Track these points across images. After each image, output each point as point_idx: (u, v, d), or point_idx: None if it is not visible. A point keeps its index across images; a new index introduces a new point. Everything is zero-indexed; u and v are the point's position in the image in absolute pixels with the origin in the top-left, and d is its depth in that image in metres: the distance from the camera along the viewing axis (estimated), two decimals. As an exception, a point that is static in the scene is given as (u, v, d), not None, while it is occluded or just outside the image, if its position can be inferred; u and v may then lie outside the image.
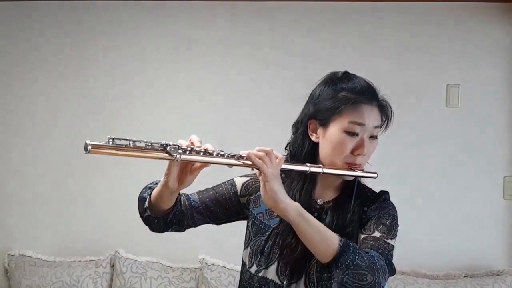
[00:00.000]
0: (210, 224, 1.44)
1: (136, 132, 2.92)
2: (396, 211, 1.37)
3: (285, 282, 1.29)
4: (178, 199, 1.31)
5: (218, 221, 1.43)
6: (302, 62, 2.86)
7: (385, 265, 1.19)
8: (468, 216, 2.86)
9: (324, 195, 1.36)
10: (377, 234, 1.27)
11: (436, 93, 2.88)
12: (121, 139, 1.07)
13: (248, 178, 1.43)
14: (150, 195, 1.30)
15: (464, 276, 2.73)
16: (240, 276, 1.42)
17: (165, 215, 1.30)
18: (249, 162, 1.17)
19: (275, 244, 1.32)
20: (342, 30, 2.92)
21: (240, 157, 1.17)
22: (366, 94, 1.30)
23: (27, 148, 2.98)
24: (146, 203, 1.30)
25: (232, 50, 2.95)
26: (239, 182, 1.43)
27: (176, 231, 1.37)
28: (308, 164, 1.26)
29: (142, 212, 1.32)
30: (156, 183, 1.30)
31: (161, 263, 2.81)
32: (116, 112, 2.97)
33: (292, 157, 1.35)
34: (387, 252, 1.24)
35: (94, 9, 2.99)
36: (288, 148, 1.39)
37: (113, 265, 2.83)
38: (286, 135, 1.41)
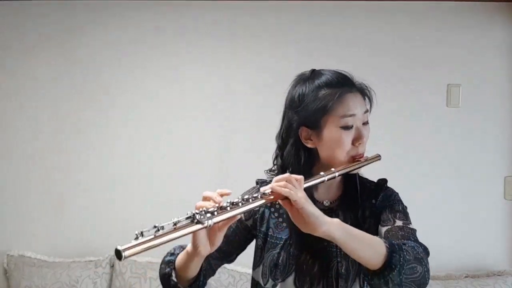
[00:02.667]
0: None
1: (135, 130, 2.94)
2: (399, 195, 1.36)
3: None
4: None
5: (230, 257, 1.38)
6: (302, 62, 2.84)
7: (424, 250, 1.17)
8: (469, 216, 2.86)
9: (329, 195, 1.34)
10: (399, 223, 1.26)
11: (436, 93, 2.88)
12: (149, 230, 1.01)
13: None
14: (174, 268, 1.22)
15: (465, 277, 2.73)
16: None
17: (196, 281, 1.23)
18: (272, 197, 1.10)
19: (290, 256, 1.30)
20: (341, 30, 2.91)
21: (264, 195, 1.10)
22: (345, 83, 1.27)
23: (26, 148, 2.97)
24: (174, 278, 1.21)
25: (233, 54, 2.94)
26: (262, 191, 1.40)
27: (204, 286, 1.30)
28: (322, 173, 1.21)
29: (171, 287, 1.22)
30: (172, 254, 1.24)
31: (160, 264, 2.80)
32: (115, 110, 2.96)
33: (285, 170, 1.28)
34: (416, 238, 1.23)
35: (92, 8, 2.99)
36: (276, 162, 1.35)
37: (113, 266, 2.83)
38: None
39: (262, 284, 1.34)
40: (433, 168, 2.88)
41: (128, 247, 0.97)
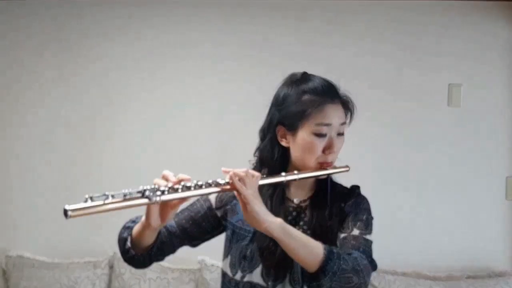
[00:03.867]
0: None
1: (135, 130, 2.93)
2: (369, 204, 1.38)
3: (270, 283, 1.31)
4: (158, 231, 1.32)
5: (194, 241, 1.43)
6: (302, 63, 2.83)
7: (368, 264, 1.21)
8: (470, 217, 2.85)
9: (300, 194, 1.38)
10: (355, 232, 1.29)
11: (438, 93, 2.88)
12: (99, 196, 1.07)
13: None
14: (130, 235, 1.30)
15: (466, 277, 2.72)
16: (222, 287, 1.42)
17: (149, 250, 1.31)
18: (228, 187, 1.19)
19: (257, 247, 1.33)
20: (342, 30, 2.90)
21: (218, 184, 1.18)
22: (329, 93, 1.32)
23: (26, 149, 2.97)
24: (128, 243, 1.30)
25: (233, 52, 2.93)
26: (212, 195, 1.44)
27: (157, 261, 1.37)
28: (283, 174, 1.28)
29: (124, 252, 1.32)
30: (133, 221, 1.31)
31: (160, 264, 2.78)
32: (115, 111, 2.96)
33: (262, 164, 1.37)
34: (367, 249, 1.27)
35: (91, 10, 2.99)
36: (256, 154, 1.40)
37: (112, 267, 2.82)
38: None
39: (230, 275, 1.37)
40: (434, 167, 2.87)
41: (75, 208, 1.06)
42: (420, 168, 2.87)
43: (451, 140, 2.87)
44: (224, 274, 1.41)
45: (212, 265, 2.72)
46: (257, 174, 1.22)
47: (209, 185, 1.17)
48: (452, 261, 2.83)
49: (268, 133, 1.36)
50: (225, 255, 1.41)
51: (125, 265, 2.71)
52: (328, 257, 1.14)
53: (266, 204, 1.27)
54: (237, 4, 2.92)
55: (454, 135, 2.87)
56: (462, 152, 2.87)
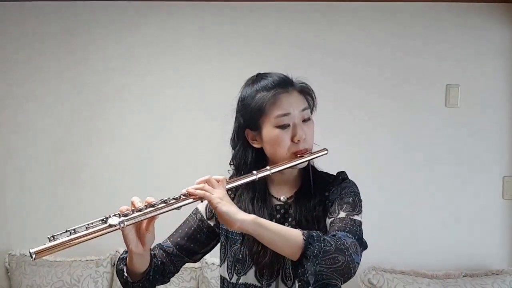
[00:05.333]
0: None
1: (135, 131, 2.95)
2: (357, 187, 1.37)
3: (264, 283, 1.32)
4: (152, 255, 1.33)
5: (194, 256, 1.44)
6: (302, 64, 2.86)
7: (355, 241, 1.20)
8: (468, 216, 2.87)
9: (285, 191, 1.39)
10: (342, 214, 1.28)
11: (435, 93, 2.89)
12: (61, 233, 1.11)
13: None
14: (125, 265, 1.31)
15: (464, 276, 2.73)
16: None
17: (145, 275, 1.31)
18: (193, 197, 1.19)
19: (248, 249, 1.34)
20: (341, 31, 2.92)
21: (183, 196, 1.19)
22: (281, 85, 1.32)
23: (26, 148, 2.99)
24: (125, 273, 1.31)
25: (233, 53, 2.95)
26: (201, 207, 1.45)
27: (162, 283, 1.38)
28: (254, 172, 1.27)
29: (124, 282, 1.33)
30: (127, 251, 1.32)
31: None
32: (116, 112, 2.98)
33: (239, 171, 1.37)
34: (355, 229, 1.25)
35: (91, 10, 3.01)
36: (232, 163, 1.41)
37: (114, 265, 2.83)
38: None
39: (228, 279, 1.39)
40: (431, 167, 2.88)
41: (40, 250, 1.08)
42: (417, 168, 2.89)
43: (448, 140, 2.88)
44: (222, 279, 1.43)
45: (213, 264, 2.74)
46: (221, 178, 1.23)
47: (174, 199, 1.18)
48: (449, 259, 2.85)
49: (238, 139, 1.38)
50: (222, 261, 1.43)
51: (127, 263, 2.76)
52: (308, 242, 1.13)
53: (248, 208, 1.30)
54: (243, 7, 2.94)
55: (452, 135, 2.88)
56: (459, 152, 2.88)
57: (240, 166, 1.37)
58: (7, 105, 3.01)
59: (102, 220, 1.12)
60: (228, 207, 1.17)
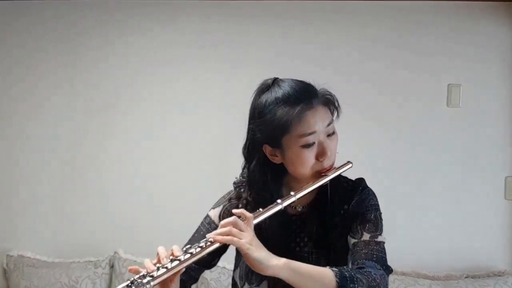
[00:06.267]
0: None
1: (135, 133, 2.93)
2: (376, 198, 1.31)
3: None
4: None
5: (210, 263, 1.39)
6: (302, 64, 2.84)
7: (383, 273, 1.18)
8: (470, 216, 2.86)
9: (302, 200, 1.29)
10: (366, 236, 1.24)
11: (437, 93, 2.88)
12: None
13: (221, 206, 1.39)
14: None
15: (465, 277, 2.73)
16: None
17: None
18: (219, 244, 1.12)
19: None
20: (341, 31, 2.91)
21: (210, 243, 1.13)
22: (304, 98, 1.21)
23: (26, 149, 2.97)
24: None
25: (233, 55, 2.94)
26: (214, 215, 1.39)
27: None
28: (278, 201, 1.20)
29: None
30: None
31: (160, 264, 2.80)
32: (116, 112, 2.96)
33: (251, 188, 1.29)
34: (381, 255, 1.22)
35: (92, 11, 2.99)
36: (243, 176, 1.34)
37: (112, 266, 2.82)
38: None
39: (239, 286, 1.35)
40: (433, 168, 2.87)
41: None
42: (419, 168, 2.87)
43: (450, 140, 2.87)
44: (234, 284, 1.39)
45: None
46: (248, 215, 1.15)
47: (200, 248, 1.12)
48: (451, 260, 2.83)
49: (255, 152, 1.27)
50: (236, 266, 1.38)
51: (126, 264, 2.75)
52: (342, 284, 1.10)
53: (264, 223, 1.22)
54: (242, 7, 2.92)
55: (453, 135, 2.87)
56: (461, 152, 2.87)
57: (255, 183, 1.28)
58: (7, 105, 2.99)
59: (127, 286, 1.06)
60: (259, 253, 1.10)
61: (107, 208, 2.92)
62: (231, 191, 1.40)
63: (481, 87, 2.87)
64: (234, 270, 1.39)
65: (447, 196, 2.86)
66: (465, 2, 2.86)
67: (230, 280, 2.69)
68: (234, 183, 1.40)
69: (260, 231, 1.20)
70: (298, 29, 2.92)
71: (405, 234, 2.86)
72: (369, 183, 1.37)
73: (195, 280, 1.38)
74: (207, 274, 2.71)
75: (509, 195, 2.85)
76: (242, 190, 1.35)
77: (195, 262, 1.26)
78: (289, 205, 1.24)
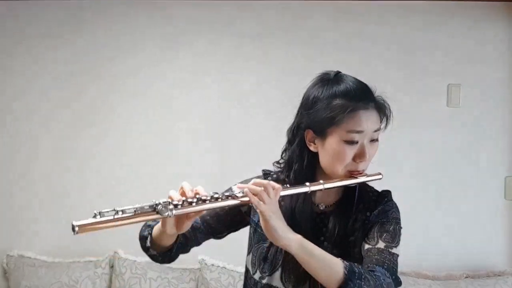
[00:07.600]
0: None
1: (135, 133, 2.93)
2: (398, 212, 1.33)
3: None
4: None
5: (220, 235, 1.42)
6: (302, 64, 2.84)
7: (391, 282, 1.17)
8: (470, 216, 2.86)
9: (326, 199, 1.32)
10: (381, 244, 1.23)
11: (437, 93, 2.88)
12: (108, 211, 1.08)
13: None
14: (150, 234, 1.30)
15: (465, 277, 2.73)
16: (244, 282, 1.41)
17: (169, 250, 1.31)
18: (246, 199, 1.15)
19: (278, 250, 1.29)
20: (341, 30, 2.91)
21: (235, 197, 1.16)
22: (362, 97, 1.24)
23: (26, 149, 2.97)
24: (148, 242, 1.30)
25: (235, 53, 2.94)
26: (237, 189, 1.39)
27: (183, 253, 1.38)
28: (307, 183, 1.22)
29: (144, 249, 1.34)
30: (155, 219, 1.27)
31: (160, 264, 2.79)
32: (112, 112, 2.96)
33: (290, 167, 1.31)
34: (392, 265, 1.21)
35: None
36: (283, 156, 1.35)
37: (112, 266, 2.82)
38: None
39: (251, 273, 1.36)
40: (433, 168, 2.87)
41: (83, 224, 1.04)
42: (419, 168, 2.87)
43: (450, 140, 2.87)
44: (247, 270, 1.39)
45: (212, 265, 2.72)
46: (277, 186, 1.16)
47: (226, 197, 1.15)
48: (451, 260, 2.83)
49: (297, 135, 1.29)
50: (248, 252, 1.39)
51: (126, 264, 2.75)
52: (349, 277, 1.11)
53: (289, 211, 1.24)
54: (245, 5, 2.93)
55: (453, 135, 2.87)
56: (461, 152, 2.87)
57: (293, 164, 1.29)
58: (6, 103, 2.99)
59: (151, 206, 1.10)
60: (278, 223, 1.14)
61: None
62: (259, 176, 1.40)
63: (481, 87, 2.88)
64: (247, 255, 1.39)
65: (446, 196, 2.87)
66: (465, 2, 2.87)
67: (230, 280, 2.72)
68: (264, 170, 1.41)
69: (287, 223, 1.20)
70: (297, 28, 2.92)
71: (405, 234, 2.85)
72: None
73: (198, 243, 1.40)
74: (207, 274, 2.71)
75: (509, 195, 2.85)
76: (279, 172, 1.36)
77: (206, 227, 1.35)
78: (313, 202, 1.29)
